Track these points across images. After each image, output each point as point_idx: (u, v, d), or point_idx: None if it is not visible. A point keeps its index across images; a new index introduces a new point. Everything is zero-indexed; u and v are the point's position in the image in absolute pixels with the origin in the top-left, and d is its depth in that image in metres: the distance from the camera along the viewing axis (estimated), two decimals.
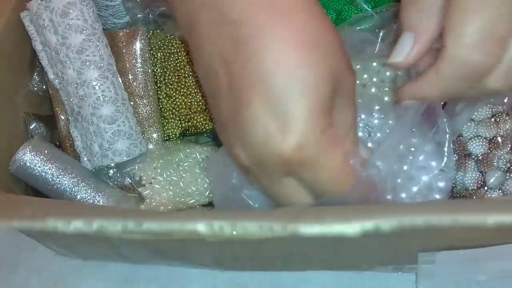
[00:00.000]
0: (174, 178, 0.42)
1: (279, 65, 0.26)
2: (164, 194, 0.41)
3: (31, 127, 0.46)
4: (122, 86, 0.44)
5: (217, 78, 0.28)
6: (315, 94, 0.27)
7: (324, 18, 0.28)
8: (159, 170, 0.42)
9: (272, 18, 0.27)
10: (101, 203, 0.43)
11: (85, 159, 0.43)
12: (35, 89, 0.46)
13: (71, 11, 0.40)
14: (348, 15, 0.45)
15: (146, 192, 0.41)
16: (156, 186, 0.41)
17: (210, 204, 0.43)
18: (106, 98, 0.42)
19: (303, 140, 0.27)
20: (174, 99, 0.47)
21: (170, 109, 0.47)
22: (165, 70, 0.47)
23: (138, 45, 0.46)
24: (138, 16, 0.49)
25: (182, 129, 0.47)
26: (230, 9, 0.27)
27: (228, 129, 0.29)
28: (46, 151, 0.42)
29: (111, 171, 0.46)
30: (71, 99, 0.42)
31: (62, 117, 0.45)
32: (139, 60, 0.46)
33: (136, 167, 0.42)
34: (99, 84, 0.42)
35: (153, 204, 0.41)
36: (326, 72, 0.27)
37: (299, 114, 0.26)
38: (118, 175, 0.46)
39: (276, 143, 0.27)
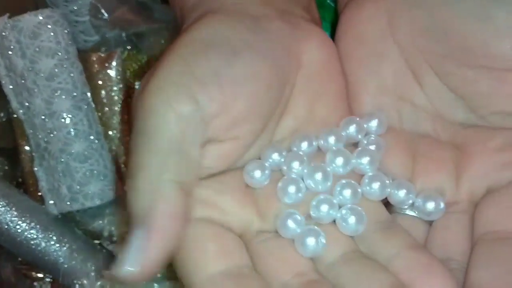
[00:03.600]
0: None
1: None
2: None
3: None
4: (97, 119, 0.40)
5: None
6: None
7: None
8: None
9: None
10: (64, 258, 0.39)
11: (51, 202, 0.40)
12: None
13: (42, 32, 0.37)
14: None
15: (119, 249, 0.37)
16: None
17: None
18: (78, 133, 0.39)
19: None
20: None
21: None
22: None
23: (114, 71, 0.43)
24: (107, 35, 0.46)
25: None
26: None
27: None
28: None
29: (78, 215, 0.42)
30: (37, 133, 0.39)
31: (27, 149, 0.41)
32: (114, 88, 0.43)
33: (106, 220, 0.38)
34: (71, 116, 0.38)
35: None
36: None
37: None
38: (88, 218, 0.42)
39: None
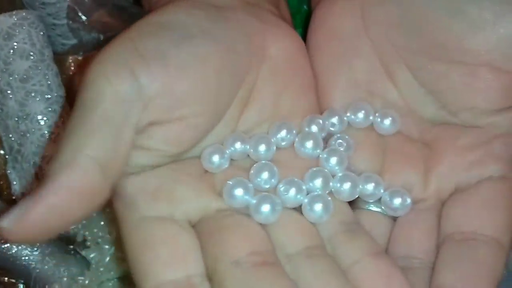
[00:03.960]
0: None
1: None
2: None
3: None
4: None
5: None
6: None
7: None
8: (107, 226, 0.38)
9: None
10: (36, 263, 0.39)
11: None
12: None
13: (17, 33, 0.37)
14: None
15: (93, 255, 0.37)
16: (106, 246, 0.37)
17: None
18: (52, 136, 0.38)
19: None
20: None
21: None
22: None
23: None
24: (85, 39, 0.46)
25: None
26: None
27: None
28: None
29: None
30: (10, 135, 0.38)
31: (1, 152, 0.41)
32: None
33: (80, 225, 0.38)
34: (45, 118, 0.38)
35: (101, 269, 0.36)
36: None
37: None
38: None
39: None
